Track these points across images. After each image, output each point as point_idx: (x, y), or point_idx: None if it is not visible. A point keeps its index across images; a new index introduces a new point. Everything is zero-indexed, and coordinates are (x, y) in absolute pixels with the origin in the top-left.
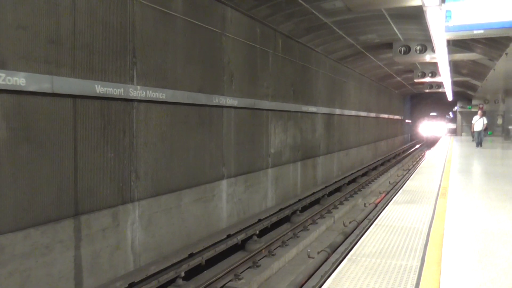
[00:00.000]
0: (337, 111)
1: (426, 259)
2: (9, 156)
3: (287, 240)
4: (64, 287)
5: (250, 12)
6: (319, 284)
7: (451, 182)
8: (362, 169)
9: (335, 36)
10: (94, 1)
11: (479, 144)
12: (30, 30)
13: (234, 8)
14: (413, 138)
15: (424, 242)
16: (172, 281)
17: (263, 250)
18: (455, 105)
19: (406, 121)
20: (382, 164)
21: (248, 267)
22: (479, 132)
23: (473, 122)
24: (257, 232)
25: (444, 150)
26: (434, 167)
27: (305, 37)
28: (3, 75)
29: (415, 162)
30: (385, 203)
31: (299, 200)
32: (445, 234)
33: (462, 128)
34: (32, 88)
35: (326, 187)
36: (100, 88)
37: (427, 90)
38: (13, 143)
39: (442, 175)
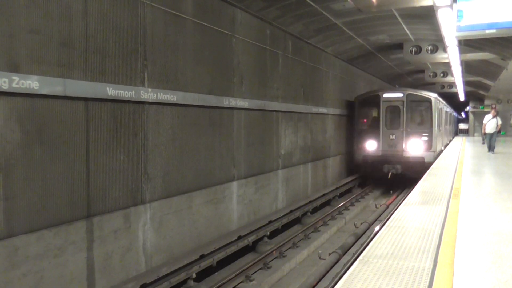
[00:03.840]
0: (348, 111)
1: (438, 260)
2: (23, 158)
3: (298, 241)
4: None
5: (260, 14)
6: (331, 286)
7: (463, 183)
8: None
9: (345, 37)
10: (105, 4)
11: (491, 148)
12: (43, 33)
13: (243, 10)
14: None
15: (437, 244)
16: (184, 282)
17: (274, 252)
18: (467, 105)
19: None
20: None
21: (259, 269)
22: (492, 135)
23: (484, 122)
24: (268, 233)
25: (456, 151)
26: (446, 168)
27: (315, 38)
28: (16, 78)
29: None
30: (396, 204)
31: (310, 201)
32: (458, 235)
33: (475, 128)
34: (45, 91)
35: (336, 188)
36: (111, 91)
37: (439, 91)
38: (26, 145)
39: (454, 176)
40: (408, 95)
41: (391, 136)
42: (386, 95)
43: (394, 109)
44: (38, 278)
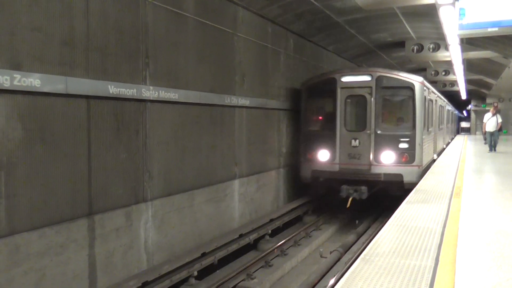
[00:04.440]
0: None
1: (440, 259)
2: (24, 156)
3: (300, 239)
4: (79, 286)
5: (262, 12)
6: (332, 284)
7: (465, 181)
8: None
9: (346, 35)
10: (107, 2)
11: (492, 147)
12: (45, 32)
13: (245, 8)
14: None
15: (438, 242)
16: (185, 280)
17: (276, 250)
18: (469, 103)
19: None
20: None
21: (261, 267)
22: (492, 133)
23: (484, 121)
24: (269, 231)
25: (458, 149)
26: (448, 167)
27: (316, 36)
28: (18, 76)
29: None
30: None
31: (312, 199)
32: (460, 234)
33: (476, 127)
34: (46, 89)
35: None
36: (113, 89)
37: (441, 89)
38: (28, 143)
39: (456, 174)
40: (378, 79)
41: (353, 141)
42: (345, 78)
43: (358, 101)
44: (40, 275)
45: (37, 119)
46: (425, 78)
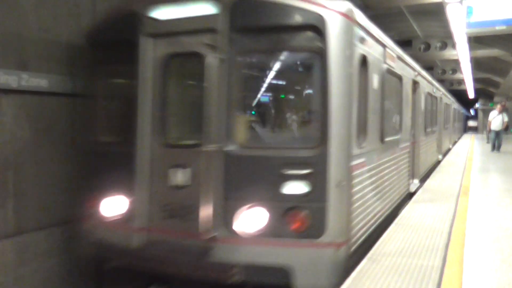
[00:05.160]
0: None
1: (447, 258)
2: (32, 156)
3: None
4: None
5: None
6: (339, 283)
7: (472, 180)
8: None
9: None
10: (114, 3)
11: (496, 147)
12: (52, 32)
13: None
14: None
15: (446, 242)
16: None
17: None
18: (476, 102)
19: None
20: None
21: None
22: (497, 132)
23: (489, 119)
24: None
25: (465, 148)
26: (455, 166)
27: None
28: (26, 76)
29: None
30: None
31: None
32: (467, 233)
33: (483, 126)
34: (54, 89)
35: None
36: None
37: (448, 88)
38: (36, 143)
39: (463, 173)
40: (235, 9)
41: (173, 174)
42: (159, 13)
43: (188, 69)
44: (48, 275)
45: (44, 119)
46: (433, 76)
